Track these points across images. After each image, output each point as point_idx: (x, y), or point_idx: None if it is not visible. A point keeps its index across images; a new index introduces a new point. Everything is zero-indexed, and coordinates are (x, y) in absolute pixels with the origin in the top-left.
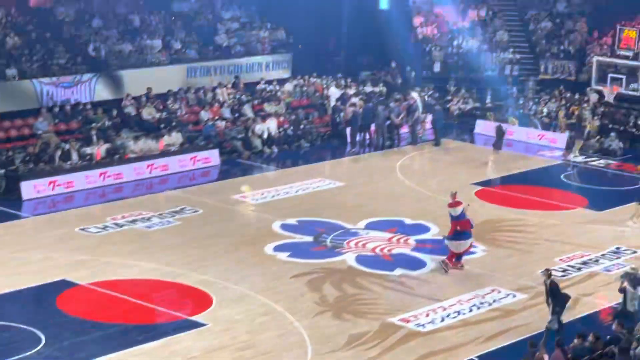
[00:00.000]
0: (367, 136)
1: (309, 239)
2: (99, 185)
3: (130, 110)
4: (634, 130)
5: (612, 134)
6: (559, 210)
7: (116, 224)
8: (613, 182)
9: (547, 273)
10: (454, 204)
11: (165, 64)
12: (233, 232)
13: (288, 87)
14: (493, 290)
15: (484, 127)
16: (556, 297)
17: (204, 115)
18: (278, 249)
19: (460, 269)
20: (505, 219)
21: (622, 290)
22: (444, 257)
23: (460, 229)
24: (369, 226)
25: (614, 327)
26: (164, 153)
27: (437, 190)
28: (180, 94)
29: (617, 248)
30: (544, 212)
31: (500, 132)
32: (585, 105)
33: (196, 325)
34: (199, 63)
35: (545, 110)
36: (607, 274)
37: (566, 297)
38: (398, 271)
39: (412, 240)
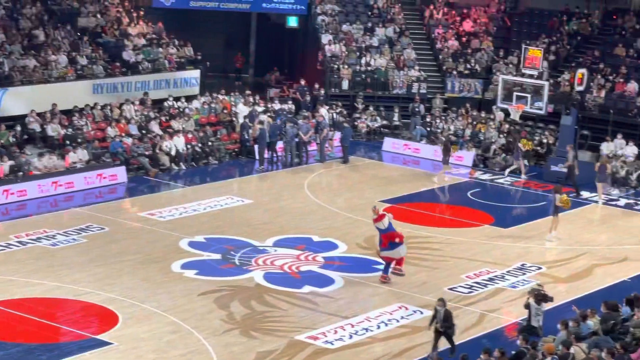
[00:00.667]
0: (275, 153)
1: (217, 256)
2: (2, 202)
3: (35, 126)
4: (538, 148)
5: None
6: (465, 227)
7: (20, 242)
8: (518, 200)
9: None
10: (378, 218)
11: (71, 79)
12: (140, 250)
13: (196, 104)
14: (400, 307)
15: (392, 145)
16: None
17: (111, 131)
18: (185, 266)
19: (400, 273)
20: (412, 236)
21: (527, 306)
22: (391, 267)
23: (396, 239)
24: (277, 243)
25: (518, 342)
26: (70, 170)
27: (345, 207)
28: (86, 110)
29: (522, 264)
30: (451, 229)
31: (447, 148)
32: (491, 123)
33: (101, 344)
34: (105, 79)
35: (452, 128)
36: (512, 290)
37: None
38: (306, 288)
39: (320, 257)
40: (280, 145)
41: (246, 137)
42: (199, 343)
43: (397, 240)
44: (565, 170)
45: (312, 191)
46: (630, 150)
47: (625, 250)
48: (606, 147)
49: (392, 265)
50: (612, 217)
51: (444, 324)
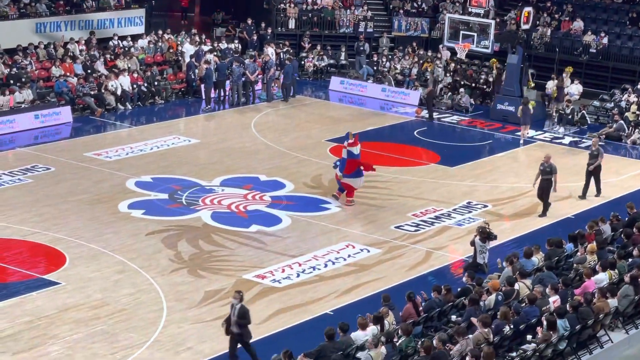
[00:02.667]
0: (222, 93)
1: (164, 196)
2: None
3: None
4: (484, 87)
5: (462, 90)
6: (412, 166)
7: None
8: (464, 138)
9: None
10: (354, 143)
11: (14, 18)
12: (86, 190)
13: (141, 43)
14: (347, 246)
15: (339, 84)
16: None
17: (56, 71)
18: (133, 206)
19: (352, 204)
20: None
21: (472, 244)
22: (339, 193)
23: (360, 167)
24: (224, 183)
25: (464, 279)
26: (14, 110)
27: (292, 147)
28: (30, 50)
29: (468, 203)
30: (398, 168)
31: (430, 99)
32: (437, 62)
33: (49, 284)
34: (49, 18)
35: (398, 67)
36: (458, 227)
37: None
38: (254, 228)
39: (267, 196)
40: (227, 84)
41: (193, 76)
42: (147, 282)
43: (361, 168)
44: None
45: (259, 131)
46: (575, 88)
47: (569, 187)
48: (551, 85)
49: (345, 194)
50: (557, 155)
51: (238, 321)
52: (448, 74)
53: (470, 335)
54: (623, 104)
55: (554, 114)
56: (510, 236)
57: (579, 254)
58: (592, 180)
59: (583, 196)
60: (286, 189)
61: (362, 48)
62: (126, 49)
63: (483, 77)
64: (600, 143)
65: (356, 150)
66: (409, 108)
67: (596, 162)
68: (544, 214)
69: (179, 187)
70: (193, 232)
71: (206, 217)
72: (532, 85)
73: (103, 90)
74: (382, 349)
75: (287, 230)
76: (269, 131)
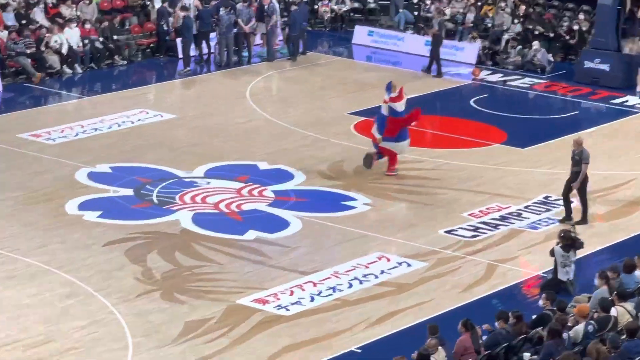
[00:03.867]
0: (206, 50)
1: (128, 192)
2: None
3: None
4: (567, 37)
5: (537, 43)
6: (468, 147)
7: None
8: (539, 109)
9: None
10: (398, 97)
11: None
12: (22, 185)
13: None
14: (380, 258)
15: (366, 36)
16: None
17: None
18: (85, 206)
19: (394, 174)
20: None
21: (553, 254)
22: (376, 158)
23: (403, 125)
24: (210, 173)
25: (540, 302)
26: None
27: (303, 123)
28: None
29: (546, 197)
30: (448, 150)
31: (436, 46)
32: (502, 4)
33: None
34: None
35: (448, 11)
36: (533, 232)
37: None
38: (251, 234)
39: (269, 191)
40: (212, 38)
41: (165, 28)
42: (105, 310)
43: (408, 127)
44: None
45: (257, 101)
46: None
47: None
48: None
49: (388, 163)
50: None
51: None
52: (516, 21)
53: None
54: None
55: None
56: (605, 243)
57: None
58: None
59: (583, 220)
60: (295, 180)
61: None
62: None
63: (566, 23)
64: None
65: (400, 106)
66: (463, 68)
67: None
68: (583, 219)
69: (147, 179)
70: (168, 241)
71: (186, 221)
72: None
73: (43, 48)
74: None
75: (296, 238)
76: (271, 102)
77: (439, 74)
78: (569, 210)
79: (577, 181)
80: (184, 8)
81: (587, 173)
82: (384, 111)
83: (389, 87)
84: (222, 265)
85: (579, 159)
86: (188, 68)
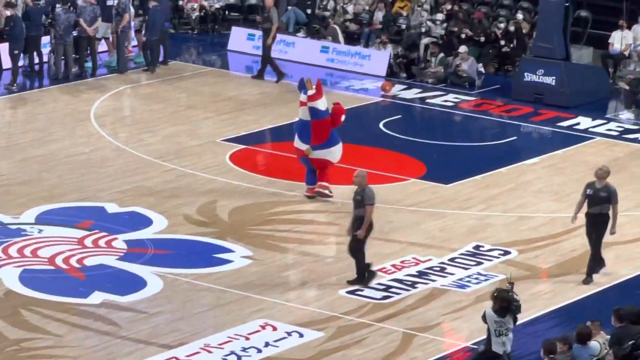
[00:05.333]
0: (38, 59)
1: None
2: None
3: None
4: (502, 42)
5: (463, 48)
6: (376, 183)
7: None
8: (467, 134)
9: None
10: (316, 95)
11: None
12: None
13: None
14: (264, 327)
15: (244, 40)
16: None
17: None
18: None
19: (327, 193)
20: (283, 201)
21: (485, 319)
22: (317, 185)
23: (332, 126)
24: (43, 218)
25: None
26: None
27: (162, 152)
28: None
29: (477, 247)
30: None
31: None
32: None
33: None
34: None
35: (350, 9)
36: (460, 291)
37: None
38: (97, 297)
39: (120, 241)
40: (45, 44)
41: None
42: None
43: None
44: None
45: (104, 124)
46: None
47: None
48: (619, 39)
49: (318, 184)
50: (633, 158)
51: None
52: (438, 21)
53: None
54: None
55: (624, 87)
56: (551, 305)
57: None
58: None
59: (588, 279)
60: (154, 227)
61: None
62: None
63: (501, 25)
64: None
65: (322, 104)
66: (369, 81)
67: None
68: (589, 277)
69: None
70: None
71: (11, 280)
72: None
73: None
74: None
75: (156, 301)
76: (123, 125)
77: (260, 75)
78: (595, 264)
79: (611, 229)
80: (9, 4)
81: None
82: (304, 115)
83: (303, 85)
84: (59, 338)
85: (603, 198)
86: (17, 83)
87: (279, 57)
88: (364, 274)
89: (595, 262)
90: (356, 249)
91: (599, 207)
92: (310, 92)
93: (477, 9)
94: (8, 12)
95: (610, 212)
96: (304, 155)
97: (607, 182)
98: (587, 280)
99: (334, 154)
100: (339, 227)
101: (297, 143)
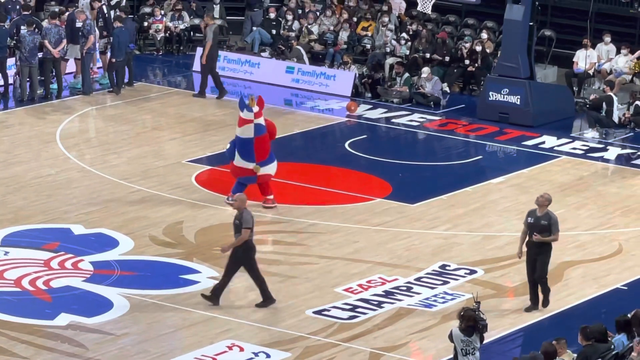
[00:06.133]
0: (2, 80)
1: None
2: None
3: None
4: (466, 62)
5: (427, 70)
6: (341, 203)
7: None
8: (432, 154)
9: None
10: (260, 112)
11: None
12: None
13: None
14: (231, 347)
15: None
16: None
17: None
18: None
19: (272, 205)
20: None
21: (452, 338)
22: (264, 200)
23: (270, 140)
24: (9, 241)
25: None
26: None
27: (129, 173)
28: None
29: (443, 267)
30: (316, 207)
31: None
32: (384, 19)
33: None
34: None
35: (315, 29)
36: (427, 310)
37: None
38: (63, 318)
39: (86, 262)
40: (9, 63)
41: None
42: None
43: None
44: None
45: (69, 146)
46: (624, 61)
47: (623, 234)
48: (583, 57)
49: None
50: (598, 177)
51: None
52: (403, 41)
53: None
54: None
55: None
56: (517, 324)
57: (634, 352)
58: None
59: (533, 306)
60: (120, 248)
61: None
62: None
63: (465, 45)
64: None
65: (262, 120)
66: (334, 102)
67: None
68: (533, 305)
69: None
70: None
71: None
72: None
73: None
74: None
75: (122, 323)
76: (88, 147)
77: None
78: (541, 293)
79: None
80: None
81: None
82: (246, 133)
83: (244, 103)
84: None
85: (544, 226)
86: None
87: (244, 78)
88: (268, 295)
89: (545, 292)
90: (252, 272)
91: (537, 237)
92: (255, 109)
93: (441, 29)
94: None
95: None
96: (250, 174)
97: (549, 210)
98: (531, 308)
99: (274, 167)
100: (305, 248)
101: (241, 162)
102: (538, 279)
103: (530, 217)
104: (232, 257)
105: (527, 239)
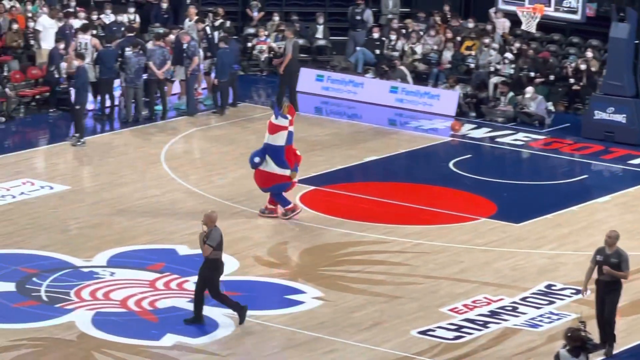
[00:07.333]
0: (109, 102)
1: (9, 287)
2: None
3: None
4: (571, 81)
5: (531, 89)
6: (446, 223)
7: None
8: (537, 173)
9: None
10: (292, 120)
11: None
12: None
13: None
14: None
15: (313, 81)
16: None
17: None
18: None
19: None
20: (353, 241)
21: (558, 359)
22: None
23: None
24: (115, 261)
25: None
26: None
27: (232, 194)
28: None
29: (549, 287)
30: (422, 227)
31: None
32: (487, 39)
33: None
34: None
35: (418, 49)
36: (532, 331)
37: None
38: (169, 339)
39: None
40: (116, 86)
41: (56, 74)
42: None
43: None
44: None
45: (174, 167)
46: None
47: None
48: None
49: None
50: None
51: None
52: (507, 60)
53: None
54: None
55: None
56: (624, 344)
57: None
58: None
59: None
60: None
61: (358, 17)
62: None
63: (570, 64)
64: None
65: (292, 129)
66: (439, 121)
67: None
68: (603, 344)
69: (34, 270)
70: (61, 349)
71: (84, 323)
72: None
73: None
74: None
75: (228, 343)
76: (193, 167)
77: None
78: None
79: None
80: (80, 55)
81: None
82: (278, 140)
83: (278, 110)
84: None
85: (614, 263)
86: (83, 140)
87: (348, 98)
88: (242, 311)
89: (610, 341)
90: (211, 291)
91: (606, 276)
92: (291, 117)
93: (545, 48)
94: (76, 62)
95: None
96: (285, 181)
97: (618, 247)
98: (610, 351)
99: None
100: (410, 268)
101: (276, 169)
102: (607, 320)
103: (599, 254)
104: (199, 275)
105: (594, 276)
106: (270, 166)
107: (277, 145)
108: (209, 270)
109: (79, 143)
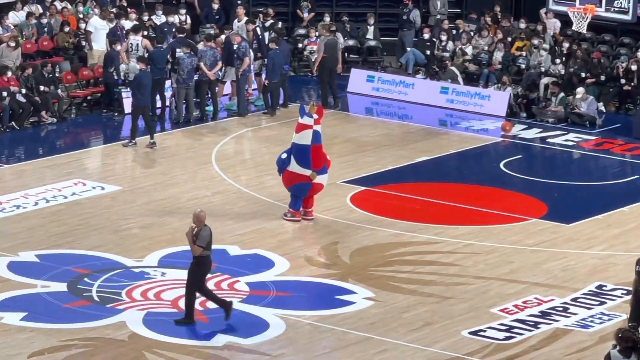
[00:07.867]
0: (160, 102)
1: (60, 287)
2: None
3: None
4: (622, 81)
5: (582, 89)
6: (497, 224)
7: None
8: (588, 173)
9: None
10: (319, 119)
11: None
12: None
13: (14, 18)
14: None
15: (364, 81)
16: None
17: None
18: (4, 306)
19: (310, 218)
20: (404, 242)
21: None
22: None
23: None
24: (166, 262)
25: None
26: None
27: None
28: None
29: (600, 287)
30: (472, 227)
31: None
32: (537, 40)
33: None
34: None
35: (469, 50)
36: (583, 331)
37: None
38: (220, 339)
39: (242, 283)
40: (168, 87)
41: (115, 77)
42: None
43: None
44: None
45: (225, 168)
46: None
47: None
48: None
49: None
50: None
51: None
52: (558, 60)
53: None
54: None
55: None
56: None
57: None
58: None
59: None
60: (275, 269)
61: (408, 17)
62: None
63: (621, 64)
64: None
65: (320, 129)
66: (489, 122)
67: None
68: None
69: (85, 270)
70: (113, 349)
71: (135, 323)
72: None
73: None
74: None
75: (278, 343)
76: (244, 168)
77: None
78: None
79: None
80: (141, 59)
81: None
82: (304, 139)
83: (304, 109)
84: None
85: None
86: (134, 141)
87: (398, 99)
88: (191, 316)
89: None
90: (194, 285)
91: None
92: (315, 116)
93: (596, 48)
94: (138, 66)
95: None
96: (305, 181)
97: None
98: None
99: (326, 179)
100: (460, 268)
101: (297, 168)
102: None
103: (638, 265)
104: (189, 273)
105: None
106: (292, 165)
107: (302, 144)
108: (196, 265)
109: (130, 144)
